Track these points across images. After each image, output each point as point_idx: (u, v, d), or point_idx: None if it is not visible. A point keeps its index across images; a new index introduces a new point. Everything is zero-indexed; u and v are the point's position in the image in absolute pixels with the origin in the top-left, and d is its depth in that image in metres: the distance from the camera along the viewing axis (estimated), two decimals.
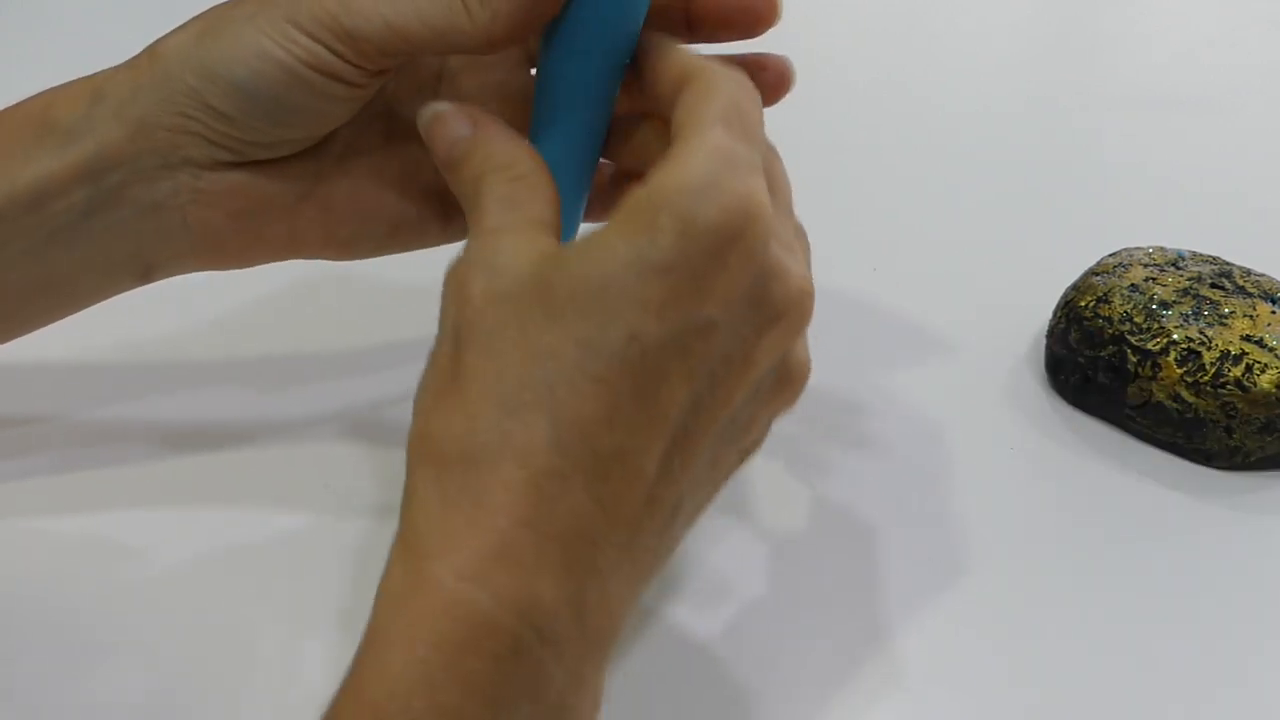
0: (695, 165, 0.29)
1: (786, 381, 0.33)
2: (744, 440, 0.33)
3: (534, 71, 0.37)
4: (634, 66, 0.35)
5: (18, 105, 0.38)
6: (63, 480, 0.43)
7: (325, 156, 0.39)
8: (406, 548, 0.29)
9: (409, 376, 0.32)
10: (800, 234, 0.35)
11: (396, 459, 0.30)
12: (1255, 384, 0.43)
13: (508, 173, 0.33)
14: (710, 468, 0.32)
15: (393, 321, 0.50)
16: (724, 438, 0.32)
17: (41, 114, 0.37)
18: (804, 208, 0.60)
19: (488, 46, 0.35)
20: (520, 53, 0.41)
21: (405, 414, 0.31)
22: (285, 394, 0.47)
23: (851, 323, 0.52)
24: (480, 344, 0.29)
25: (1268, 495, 0.44)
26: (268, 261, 0.40)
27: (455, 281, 0.31)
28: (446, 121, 0.35)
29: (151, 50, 0.37)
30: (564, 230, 0.33)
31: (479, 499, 0.28)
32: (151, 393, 0.46)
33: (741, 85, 0.32)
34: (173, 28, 0.38)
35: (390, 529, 0.29)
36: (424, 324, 0.32)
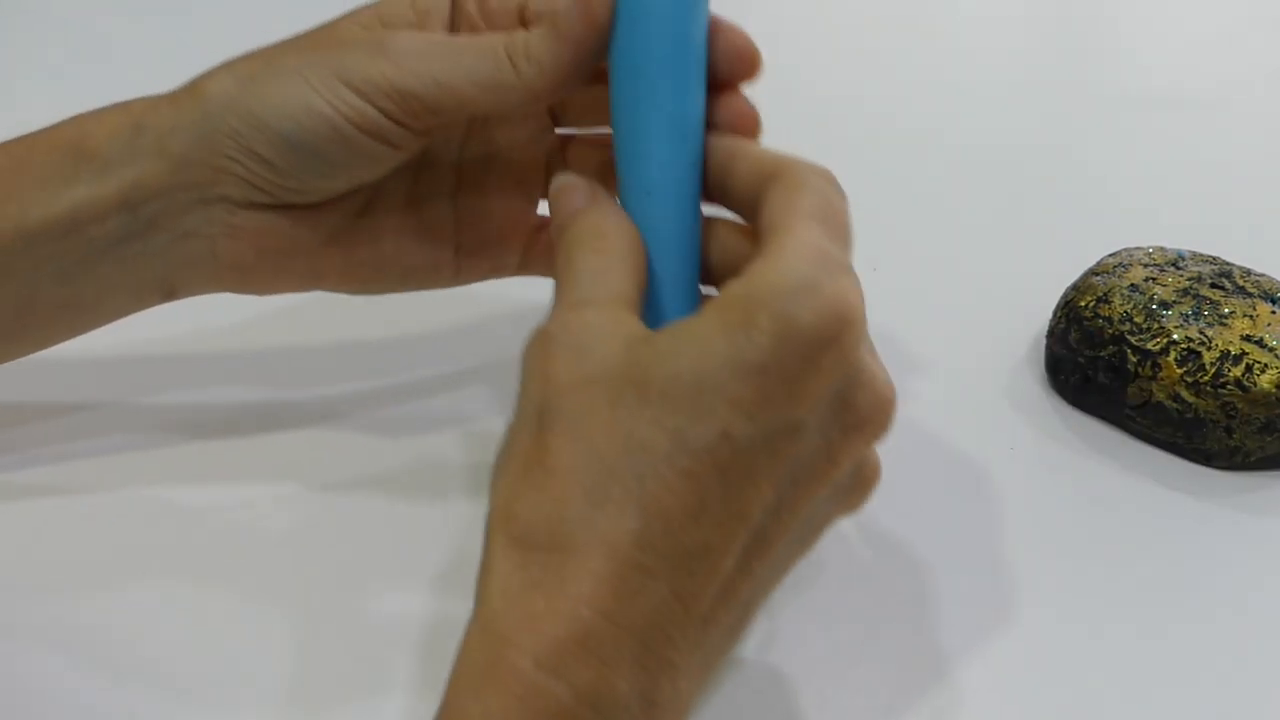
0: (792, 266, 0.30)
1: (859, 485, 0.33)
2: (811, 538, 0.33)
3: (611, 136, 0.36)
4: (709, 168, 0.35)
5: (51, 129, 0.39)
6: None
7: (353, 203, 0.40)
8: (485, 626, 0.28)
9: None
10: None
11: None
12: (1255, 384, 0.43)
13: (598, 243, 0.33)
14: (781, 563, 0.32)
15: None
16: (798, 535, 0.32)
17: (77, 140, 0.38)
18: None
19: (533, 101, 0.36)
20: (544, 110, 0.42)
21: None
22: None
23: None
24: (568, 427, 0.29)
25: (1268, 495, 0.44)
26: (288, 292, 0.41)
27: (538, 358, 0.31)
28: (568, 193, 0.35)
29: (196, 88, 0.37)
30: (671, 306, 0.34)
31: (563, 586, 0.28)
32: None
33: (829, 181, 0.33)
34: (202, 55, 0.39)
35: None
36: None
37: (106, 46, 0.76)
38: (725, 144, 0.35)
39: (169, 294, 0.40)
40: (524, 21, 0.38)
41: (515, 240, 0.43)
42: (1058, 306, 0.49)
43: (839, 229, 0.32)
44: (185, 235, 0.38)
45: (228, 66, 0.38)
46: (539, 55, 0.35)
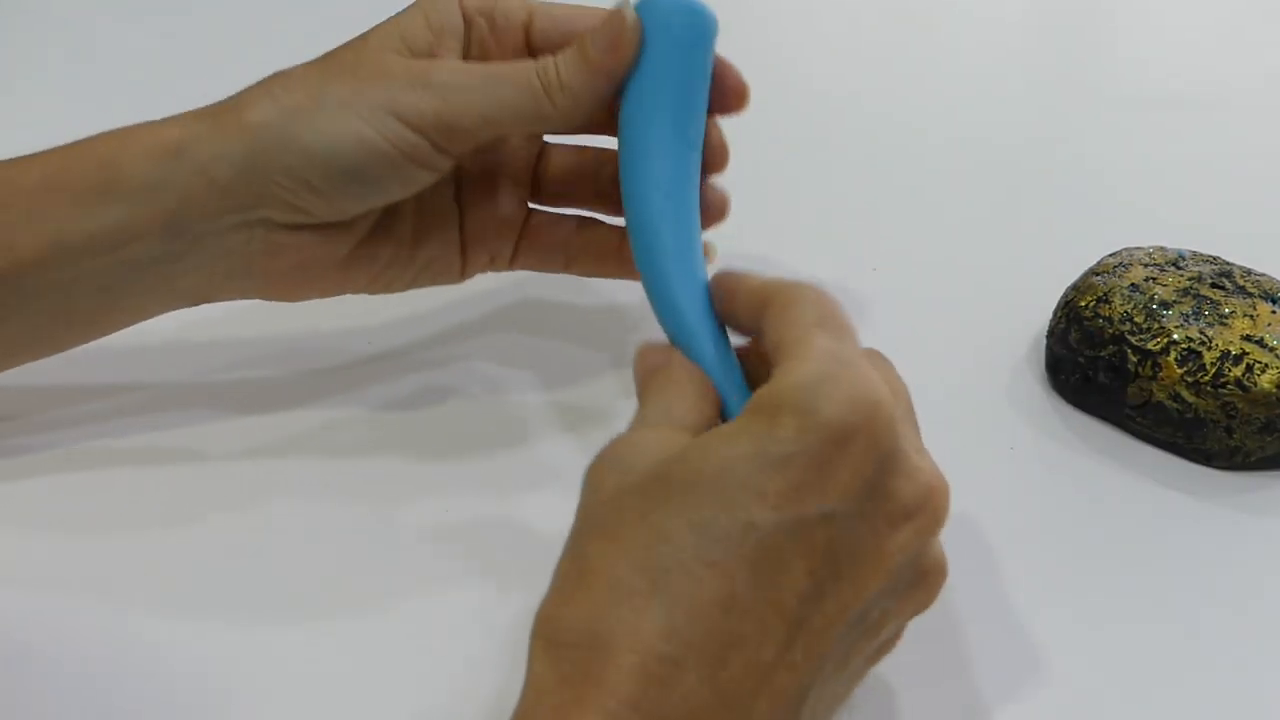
0: (809, 366, 0.31)
1: (922, 580, 0.33)
2: (876, 637, 0.32)
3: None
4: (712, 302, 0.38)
5: (82, 146, 0.40)
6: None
7: (375, 213, 0.42)
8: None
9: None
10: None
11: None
12: (1255, 384, 0.43)
13: (664, 382, 0.35)
14: (841, 663, 0.32)
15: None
16: (855, 632, 0.31)
17: (111, 160, 0.39)
18: (805, 208, 0.61)
19: (567, 127, 0.41)
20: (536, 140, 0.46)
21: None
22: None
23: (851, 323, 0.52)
24: (603, 532, 0.30)
25: (1268, 495, 0.44)
26: (316, 298, 0.43)
27: (593, 477, 0.32)
28: (648, 354, 0.37)
29: (240, 117, 0.39)
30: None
31: (591, 680, 0.28)
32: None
33: (822, 293, 0.34)
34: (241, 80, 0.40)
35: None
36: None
37: (106, 47, 0.76)
38: (722, 280, 0.37)
39: (201, 301, 0.42)
40: (530, 39, 0.41)
41: (510, 234, 0.45)
42: (1058, 306, 0.49)
43: (841, 329, 0.33)
44: (225, 253, 0.40)
45: (269, 93, 0.39)
46: (572, 86, 0.39)
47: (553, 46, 0.41)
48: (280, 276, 0.41)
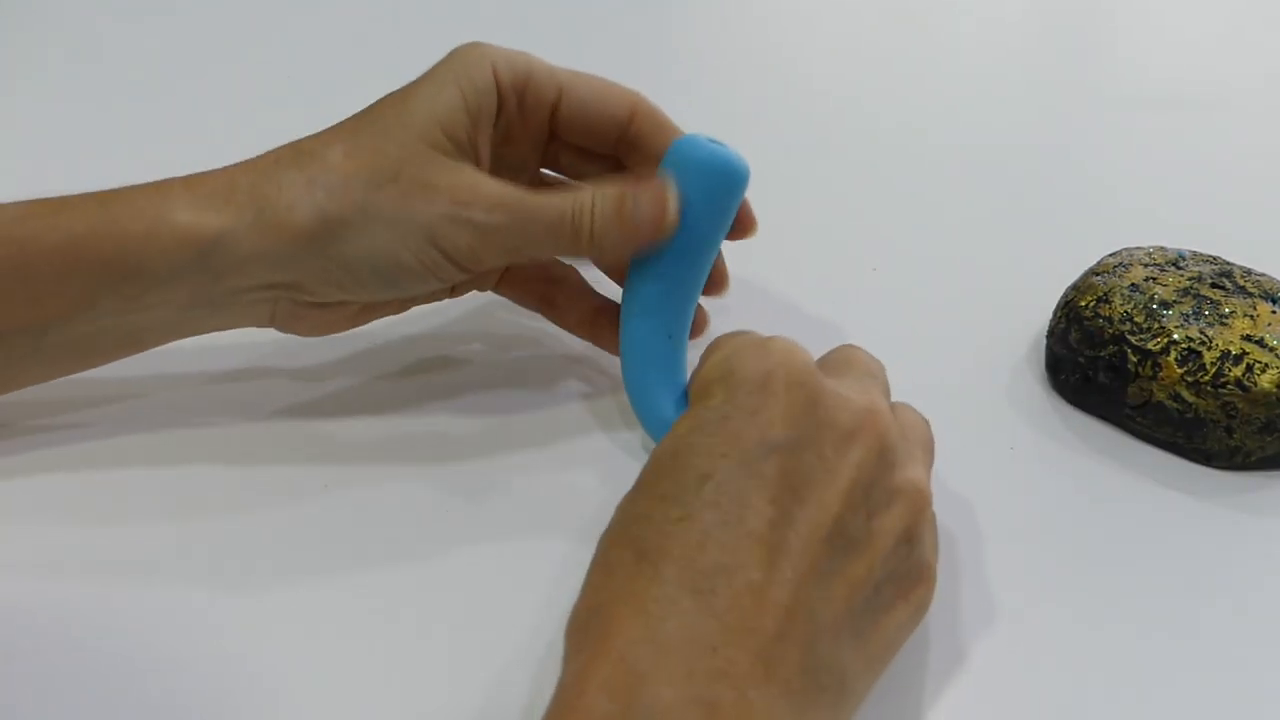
0: (720, 350, 0.37)
1: (895, 500, 0.35)
2: (865, 558, 0.34)
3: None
4: None
5: (115, 210, 0.40)
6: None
7: None
8: (554, 695, 0.31)
9: None
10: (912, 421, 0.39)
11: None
12: (1255, 384, 0.43)
13: None
14: (837, 580, 0.33)
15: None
16: (836, 551, 0.33)
17: (143, 244, 0.39)
18: (805, 208, 0.61)
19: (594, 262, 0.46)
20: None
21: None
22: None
23: (851, 323, 0.52)
24: (607, 542, 0.34)
25: (1268, 495, 0.44)
26: (327, 335, 0.45)
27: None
28: None
29: (279, 218, 0.39)
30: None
31: (600, 637, 0.31)
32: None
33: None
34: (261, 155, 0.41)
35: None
36: None
37: (106, 47, 0.76)
38: None
39: (218, 330, 0.43)
40: (555, 118, 0.43)
41: (495, 272, 0.47)
42: (1058, 306, 0.49)
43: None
44: (250, 312, 0.42)
45: (312, 192, 0.39)
46: (603, 241, 0.41)
47: (575, 130, 0.43)
48: (299, 327, 0.43)
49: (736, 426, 0.34)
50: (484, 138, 0.42)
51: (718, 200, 0.42)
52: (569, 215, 0.40)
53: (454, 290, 0.46)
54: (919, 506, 0.35)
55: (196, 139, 0.65)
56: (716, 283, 0.46)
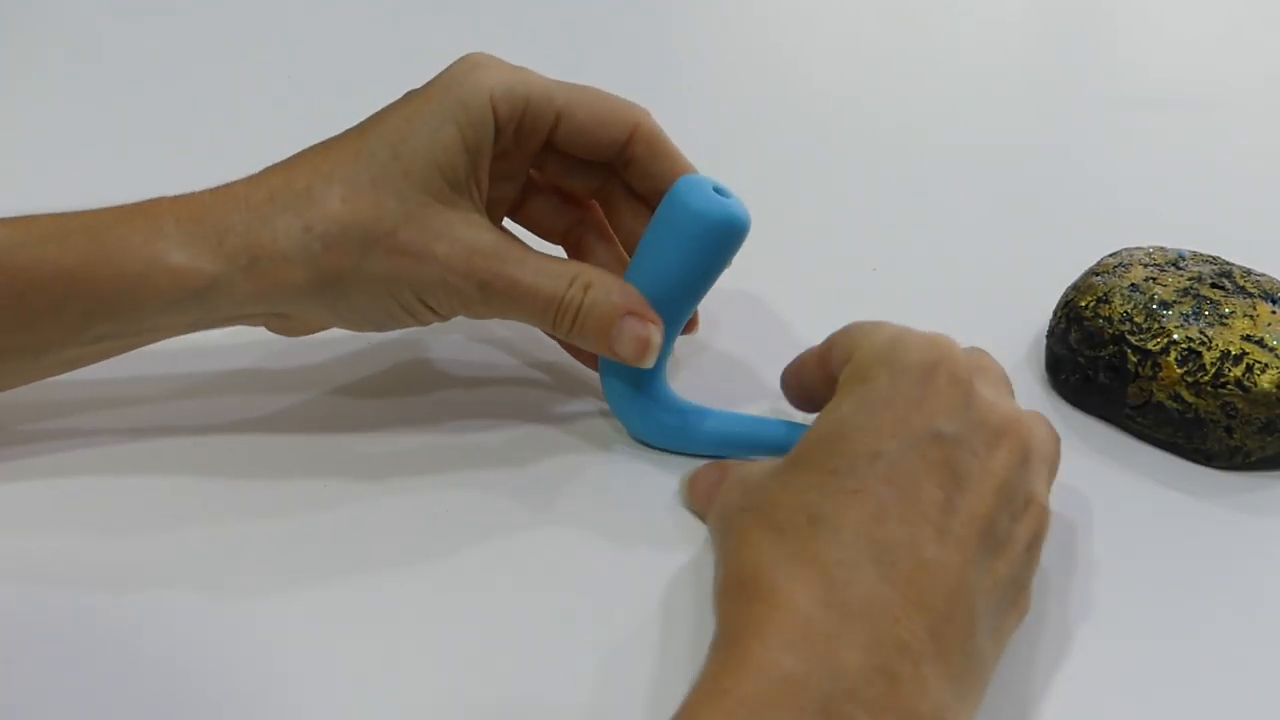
0: (879, 336, 0.38)
1: (1026, 512, 0.36)
2: (1006, 559, 0.35)
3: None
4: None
5: (110, 242, 0.40)
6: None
7: None
8: (718, 646, 0.33)
9: None
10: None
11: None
12: (1255, 384, 0.43)
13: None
14: (989, 573, 0.34)
15: None
16: (988, 546, 0.34)
17: (137, 284, 0.39)
18: (805, 208, 0.61)
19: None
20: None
21: None
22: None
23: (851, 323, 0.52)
24: (755, 517, 0.35)
25: (1268, 495, 0.44)
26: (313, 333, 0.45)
27: (720, 502, 0.38)
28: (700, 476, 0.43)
29: (275, 269, 0.40)
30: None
31: (779, 593, 0.32)
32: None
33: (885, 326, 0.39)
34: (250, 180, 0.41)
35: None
36: None
37: (106, 47, 0.76)
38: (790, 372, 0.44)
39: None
40: (552, 140, 0.43)
41: None
42: (1058, 306, 0.49)
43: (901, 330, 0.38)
44: (242, 319, 0.42)
45: (308, 245, 0.40)
46: (578, 340, 0.42)
47: (573, 147, 0.43)
48: (289, 333, 0.44)
49: (903, 412, 0.35)
50: (482, 171, 0.42)
51: (712, 252, 0.41)
52: (554, 305, 0.41)
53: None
54: (1044, 519, 0.37)
55: (196, 139, 0.65)
56: (691, 325, 0.46)
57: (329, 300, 0.41)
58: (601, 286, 0.41)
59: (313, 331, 0.45)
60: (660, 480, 0.43)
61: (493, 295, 0.41)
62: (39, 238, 0.39)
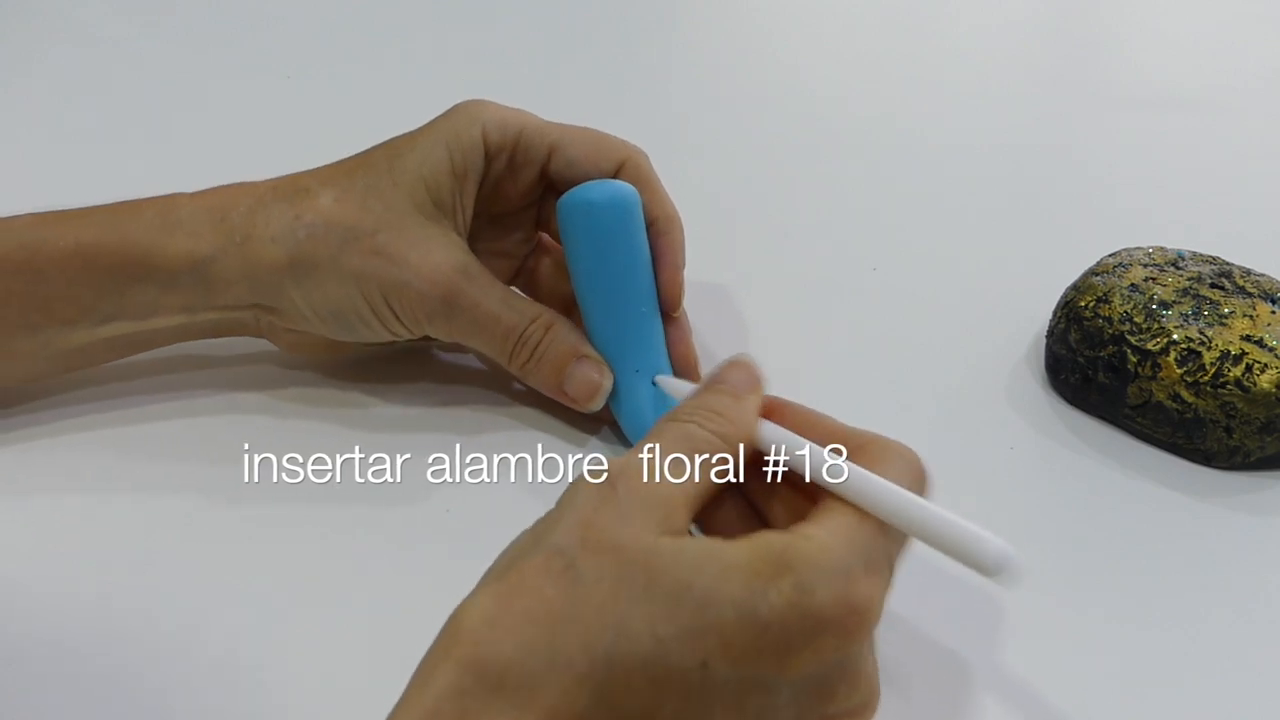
0: (836, 548, 0.30)
1: None
2: None
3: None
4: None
5: (120, 221, 0.42)
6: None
7: None
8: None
9: None
10: None
11: None
12: (1255, 384, 0.43)
13: (685, 448, 0.33)
14: None
15: None
16: None
17: (145, 254, 0.42)
18: (805, 208, 0.61)
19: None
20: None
21: None
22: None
23: (851, 323, 0.52)
24: (572, 579, 0.29)
25: (1268, 495, 0.44)
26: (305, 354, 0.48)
27: (589, 502, 0.31)
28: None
29: (264, 250, 0.42)
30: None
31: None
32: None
33: (913, 460, 0.34)
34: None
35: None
36: None
37: (106, 47, 0.76)
38: (801, 416, 0.36)
39: (212, 338, 0.46)
40: (546, 174, 0.45)
41: None
42: (1058, 306, 0.49)
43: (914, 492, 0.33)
44: (238, 323, 0.45)
45: (294, 230, 0.42)
46: (527, 378, 0.44)
47: (566, 184, 0.44)
48: (278, 342, 0.46)
49: (765, 647, 0.29)
50: (468, 198, 0.44)
51: (600, 234, 0.42)
52: (514, 337, 0.43)
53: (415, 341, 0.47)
54: None
55: (196, 138, 0.65)
56: (671, 303, 0.45)
57: (304, 287, 0.43)
58: (562, 328, 0.44)
59: (304, 346, 0.46)
60: None
61: (456, 312, 0.43)
62: (59, 218, 0.43)
